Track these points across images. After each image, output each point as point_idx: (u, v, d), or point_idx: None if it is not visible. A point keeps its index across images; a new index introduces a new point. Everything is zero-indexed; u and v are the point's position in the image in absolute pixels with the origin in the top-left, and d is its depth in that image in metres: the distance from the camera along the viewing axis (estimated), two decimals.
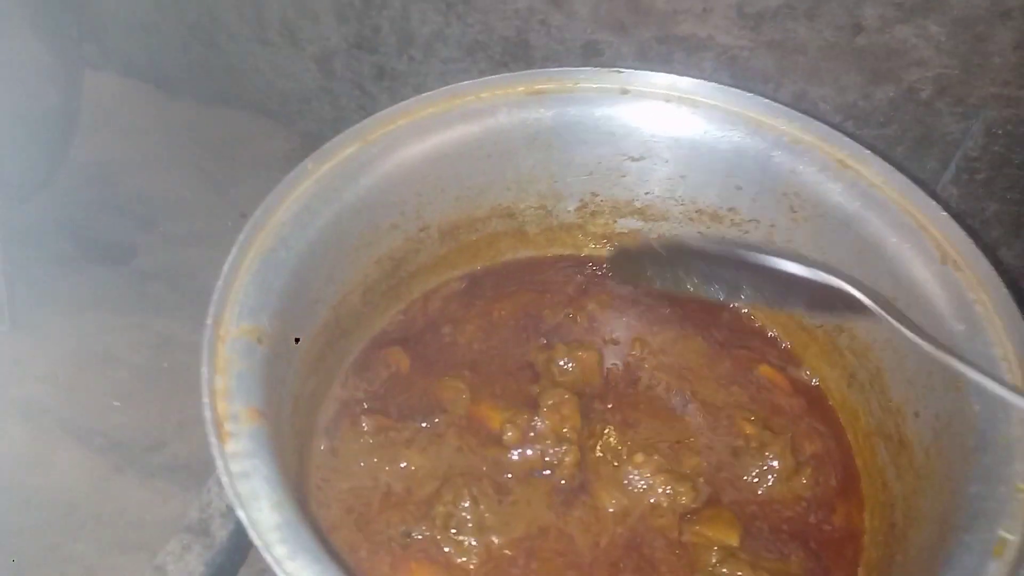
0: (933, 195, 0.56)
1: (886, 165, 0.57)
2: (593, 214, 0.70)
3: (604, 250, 0.72)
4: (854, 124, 0.85)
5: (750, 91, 0.63)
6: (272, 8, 1.01)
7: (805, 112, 0.85)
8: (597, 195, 0.69)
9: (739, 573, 0.50)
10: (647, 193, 0.68)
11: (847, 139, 0.59)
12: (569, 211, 0.70)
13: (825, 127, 0.60)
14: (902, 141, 0.84)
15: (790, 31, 0.80)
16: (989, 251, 0.54)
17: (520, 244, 0.71)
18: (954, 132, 0.81)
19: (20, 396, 0.90)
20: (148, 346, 0.95)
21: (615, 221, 0.70)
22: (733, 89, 0.62)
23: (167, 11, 1.08)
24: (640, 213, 0.69)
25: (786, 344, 0.66)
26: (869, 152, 0.58)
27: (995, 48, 0.74)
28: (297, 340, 0.56)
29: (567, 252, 0.72)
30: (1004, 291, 0.50)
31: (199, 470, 0.83)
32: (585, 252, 0.72)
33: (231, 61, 1.10)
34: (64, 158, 1.07)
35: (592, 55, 0.89)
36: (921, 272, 0.53)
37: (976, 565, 0.40)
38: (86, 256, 1.02)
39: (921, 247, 0.54)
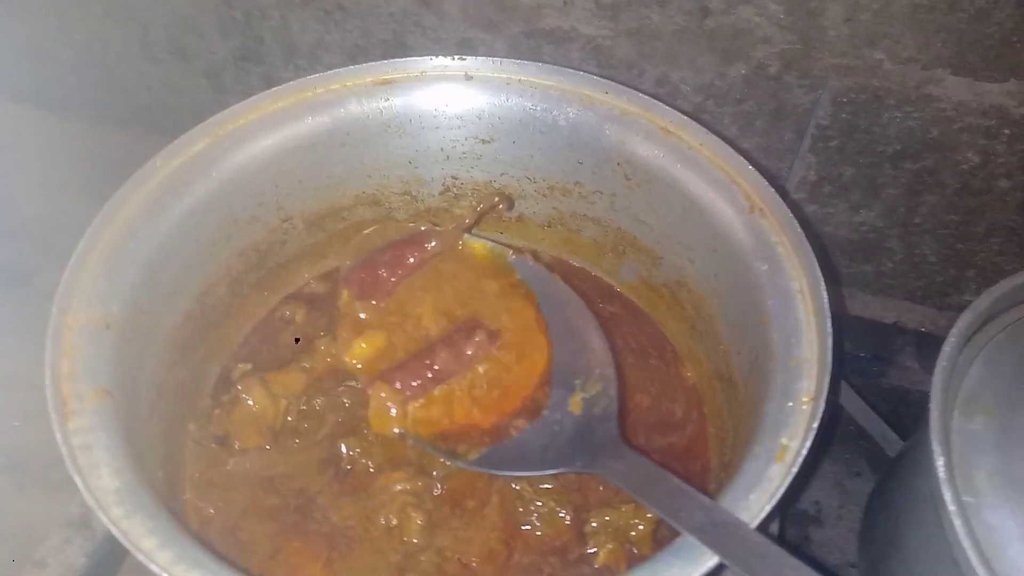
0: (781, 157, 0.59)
1: (702, 129, 0.62)
2: (457, 197, 0.74)
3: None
4: (714, 103, 0.89)
5: (616, 78, 0.67)
6: (157, 26, 1.03)
7: (667, 95, 0.90)
8: (457, 178, 0.72)
9: None
10: (503, 174, 0.71)
11: (668, 108, 0.63)
12: (434, 195, 0.73)
13: (648, 98, 0.64)
14: (759, 115, 0.89)
15: (645, 18, 0.85)
16: (795, 205, 0.58)
17: (389, 230, 0.74)
18: (805, 103, 0.86)
19: None
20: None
21: (479, 203, 0.74)
22: (566, 69, 0.66)
23: (53, 35, 1.09)
24: (499, 193, 0.73)
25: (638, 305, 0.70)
26: (687, 118, 0.63)
27: (828, 22, 0.79)
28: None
29: None
30: (800, 232, 0.55)
31: None
32: None
33: (122, 81, 1.11)
34: None
35: (467, 52, 0.93)
36: (733, 221, 0.58)
37: (761, 468, 0.44)
38: None
39: (733, 199, 0.58)
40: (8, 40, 1.12)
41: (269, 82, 1.05)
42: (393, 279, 0.65)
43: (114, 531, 0.41)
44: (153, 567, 0.40)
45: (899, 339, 0.92)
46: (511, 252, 0.67)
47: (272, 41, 1.00)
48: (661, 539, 0.57)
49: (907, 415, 0.84)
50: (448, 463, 0.57)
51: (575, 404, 0.57)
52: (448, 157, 0.71)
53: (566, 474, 0.57)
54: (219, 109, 1.09)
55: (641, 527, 0.57)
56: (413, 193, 0.73)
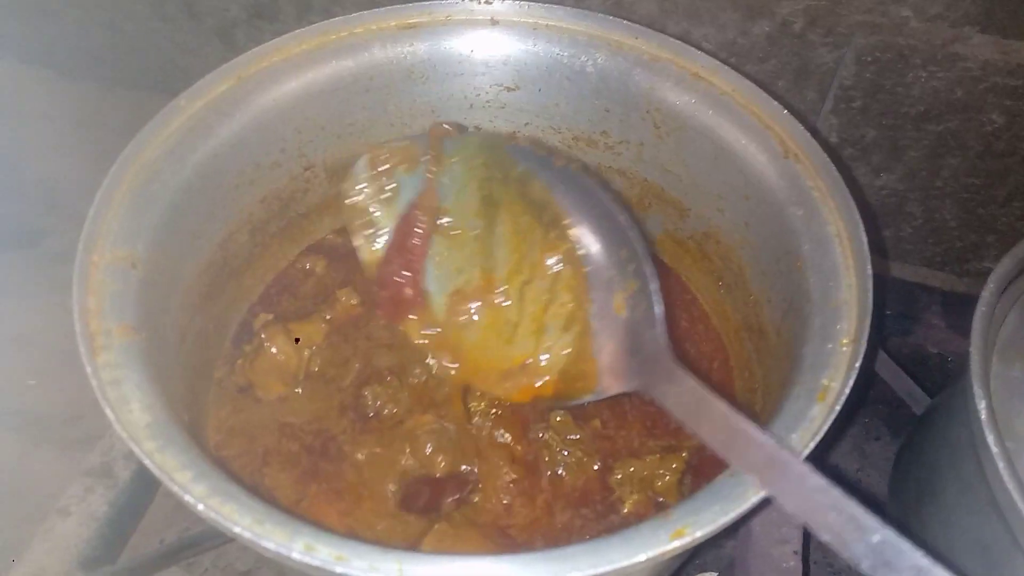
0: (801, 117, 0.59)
1: (735, 74, 0.61)
2: None
3: None
4: (736, 61, 0.88)
5: None
6: None
7: None
8: (480, 128, 0.71)
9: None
10: (527, 124, 0.70)
11: (699, 53, 0.62)
12: None
13: (679, 43, 0.63)
14: (782, 75, 0.88)
15: None
16: (830, 148, 0.57)
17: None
18: (828, 62, 0.85)
19: None
20: (60, 325, 0.93)
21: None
22: (595, 14, 0.65)
23: None
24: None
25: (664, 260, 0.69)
26: (719, 63, 0.61)
27: None
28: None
29: None
30: (837, 176, 0.54)
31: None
32: None
33: (131, 41, 1.09)
34: None
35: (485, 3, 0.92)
36: (766, 168, 0.57)
37: (802, 408, 0.43)
38: None
39: (766, 145, 0.57)
40: (17, 0, 1.10)
41: None
42: (415, 271, 0.58)
43: (148, 463, 0.40)
44: (188, 498, 0.39)
45: (925, 297, 0.91)
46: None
47: None
48: (686, 489, 0.57)
49: (931, 374, 0.84)
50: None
51: (619, 306, 0.50)
52: (472, 106, 0.69)
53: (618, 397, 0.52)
54: None
55: (667, 477, 0.56)
56: None
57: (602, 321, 0.50)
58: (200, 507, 0.39)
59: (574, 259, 0.51)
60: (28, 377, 0.92)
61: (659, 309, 0.48)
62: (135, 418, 0.43)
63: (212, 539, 0.68)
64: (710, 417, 0.42)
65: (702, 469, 0.57)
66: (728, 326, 0.64)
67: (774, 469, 0.39)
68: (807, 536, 0.60)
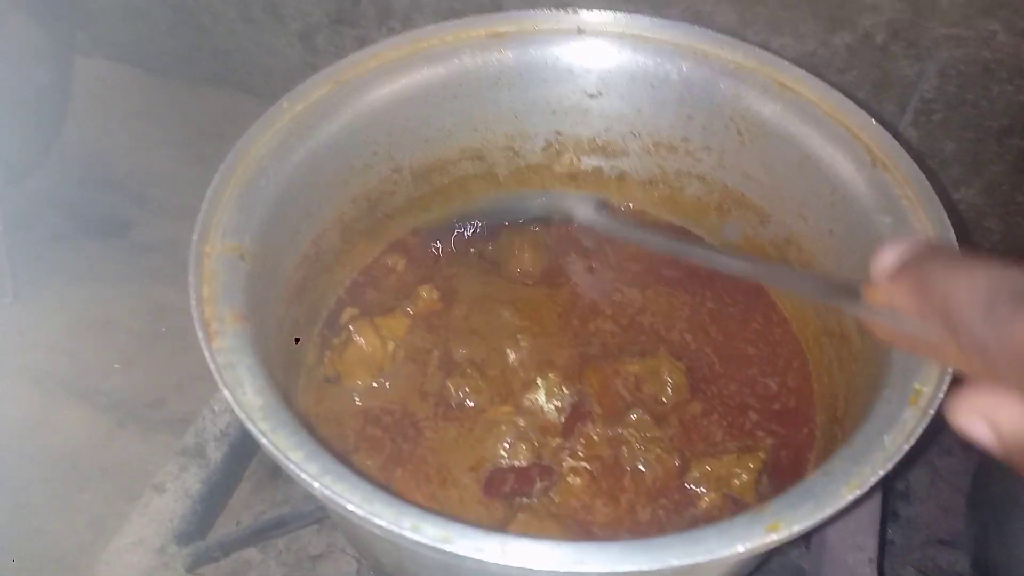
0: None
1: (820, 83, 0.61)
2: (558, 153, 0.74)
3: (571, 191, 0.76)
4: (815, 72, 0.88)
5: None
6: None
7: None
8: (561, 133, 0.73)
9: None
10: (607, 130, 0.72)
11: (785, 62, 0.63)
12: (536, 151, 0.74)
13: (765, 53, 0.64)
14: (861, 86, 0.88)
15: None
16: (920, 158, 0.57)
17: (491, 187, 0.75)
18: (910, 75, 0.84)
19: (25, 363, 0.94)
20: (146, 313, 1.00)
21: (579, 159, 0.74)
22: (681, 23, 0.66)
23: None
24: (602, 150, 0.73)
25: None
26: (804, 72, 0.62)
27: None
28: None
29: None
30: (927, 184, 0.54)
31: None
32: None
33: (217, 42, 1.14)
34: (57, 139, 1.12)
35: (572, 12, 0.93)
36: (854, 176, 0.57)
37: (894, 412, 0.44)
38: (83, 231, 1.07)
39: (854, 154, 0.58)
40: (109, 1, 1.16)
41: (362, 44, 1.04)
42: None
43: (264, 442, 0.43)
44: (304, 476, 0.41)
45: None
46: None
47: (368, 3, 1.01)
48: (763, 489, 0.58)
49: None
50: None
51: None
52: (554, 112, 0.71)
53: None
54: (310, 71, 1.11)
55: (744, 476, 0.57)
56: (516, 148, 0.74)
57: None
58: (316, 485, 0.41)
59: None
60: (114, 361, 0.96)
61: None
62: (249, 400, 0.45)
63: (289, 523, 0.71)
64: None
65: (779, 470, 0.58)
66: (807, 331, 0.65)
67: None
68: (883, 544, 0.60)
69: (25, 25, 1.00)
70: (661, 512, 0.56)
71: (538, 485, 0.56)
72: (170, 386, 0.93)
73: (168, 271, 1.03)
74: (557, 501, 0.56)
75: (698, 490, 0.57)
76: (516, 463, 0.57)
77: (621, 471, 0.58)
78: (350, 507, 0.40)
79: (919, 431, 0.43)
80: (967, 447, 0.81)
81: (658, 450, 0.58)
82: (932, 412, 0.43)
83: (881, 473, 0.41)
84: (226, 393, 0.45)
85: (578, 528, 0.55)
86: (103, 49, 1.21)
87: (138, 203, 1.10)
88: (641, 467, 0.58)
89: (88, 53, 1.20)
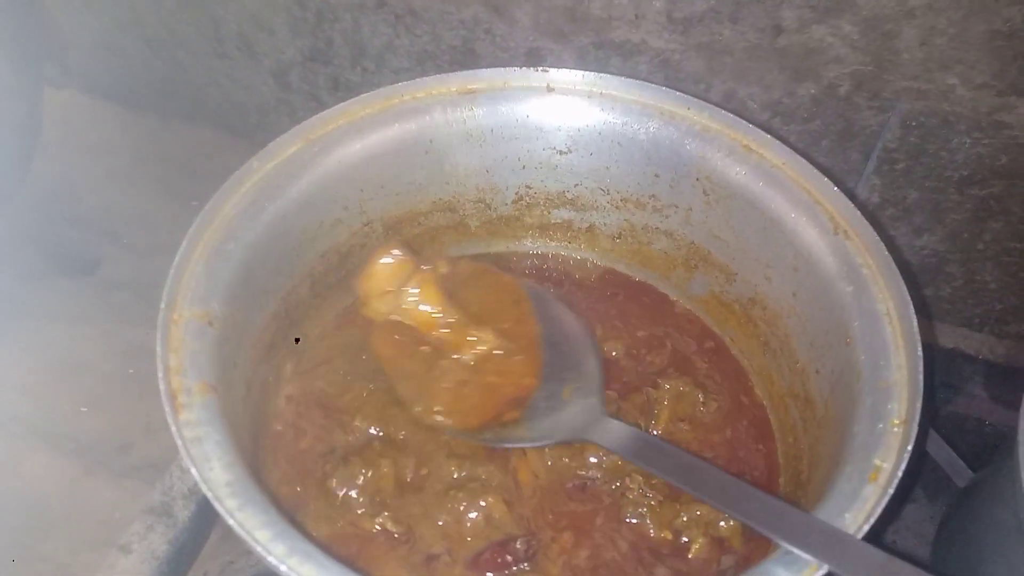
0: (844, 177, 0.61)
1: (785, 148, 0.63)
2: (529, 206, 0.75)
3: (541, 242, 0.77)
4: (781, 120, 0.90)
5: (683, 91, 0.68)
6: (229, 23, 1.05)
7: (734, 111, 0.91)
8: (531, 188, 0.74)
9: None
10: (576, 185, 0.73)
11: (750, 126, 0.64)
12: (507, 204, 0.75)
13: (731, 116, 0.65)
14: (826, 135, 0.89)
15: (716, 34, 0.85)
16: (887, 236, 0.59)
17: (463, 237, 0.76)
18: (873, 125, 0.86)
19: None
20: (116, 353, 0.98)
21: (549, 212, 0.75)
22: (649, 84, 0.67)
23: (127, 29, 1.12)
24: (572, 204, 0.74)
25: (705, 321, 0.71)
26: (770, 137, 0.63)
27: (903, 44, 0.79)
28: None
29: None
30: (887, 255, 0.56)
31: (165, 468, 0.86)
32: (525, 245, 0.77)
33: (191, 77, 1.14)
34: (27, 175, 1.10)
35: (535, 62, 0.94)
36: (816, 242, 0.58)
37: (854, 489, 0.45)
38: (53, 269, 1.05)
39: (816, 220, 0.59)
40: (82, 33, 1.15)
41: (335, 83, 1.07)
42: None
43: (231, 522, 0.43)
44: (270, 559, 0.41)
45: (966, 367, 0.91)
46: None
47: (342, 43, 1.01)
48: (750, 531, 0.58)
49: (973, 444, 0.84)
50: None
51: (567, 393, 0.62)
52: (524, 167, 0.72)
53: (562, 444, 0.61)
54: (284, 108, 1.13)
55: (731, 521, 0.57)
56: (487, 201, 0.74)
57: (547, 400, 0.63)
58: (282, 567, 0.41)
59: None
60: (81, 403, 0.95)
61: (597, 386, 0.62)
62: (216, 476, 0.45)
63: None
64: (660, 456, 0.51)
65: None
66: (773, 390, 0.66)
67: (831, 546, 0.41)
68: None
69: None
70: (651, 566, 0.57)
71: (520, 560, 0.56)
72: (139, 430, 0.92)
73: (138, 310, 1.02)
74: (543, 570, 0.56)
75: (687, 535, 0.57)
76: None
77: (613, 524, 0.58)
78: None
79: (879, 509, 0.44)
80: (932, 496, 0.82)
81: (660, 497, 0.58)
82: (891, 490, 0.44)
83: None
84: (193, 471, 0.45)
85: None
86: (75, 82, 1.20)
87: (109, 240, 1.09)
88: (635, 520, 0.58)
89: (60, 86, 1.19)
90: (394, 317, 0.65)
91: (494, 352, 0.64)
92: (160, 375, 0.49)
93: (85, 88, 1.21)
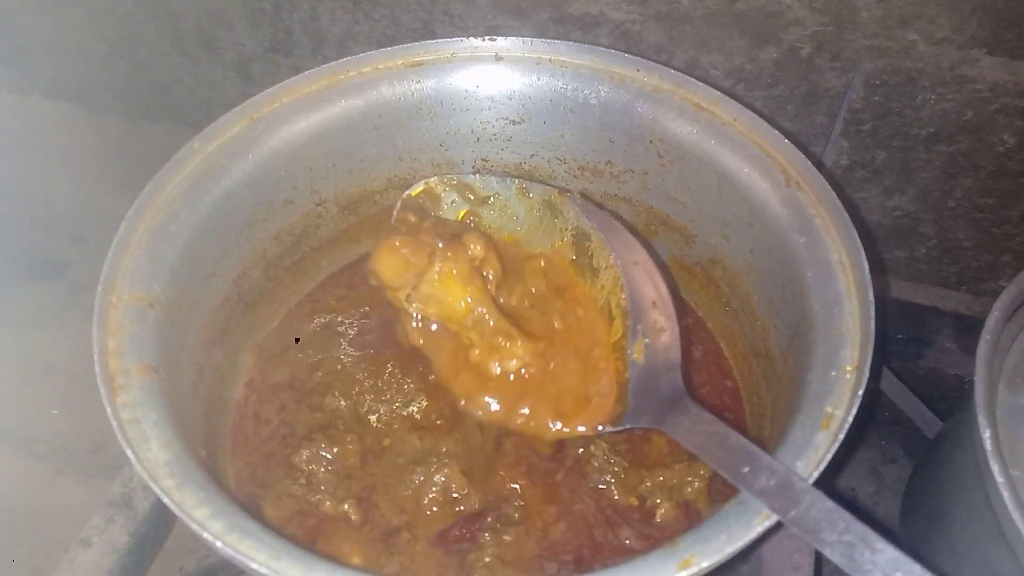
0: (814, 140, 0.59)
1: (735, 103, 0.62)
2: None
3: None
4: (744, 87, 0.89)
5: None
6: (187, 19, 1.04)
7: (698, 79, 0.90)
8: (488, 160, 0.72)
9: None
10: (532, 155, 0.71)
11: (700, 84, 0.63)
12: None
13: (680, 75, 0.64)
14: (790, 99, 0.88)
15: (674, 2, 0.84)
16: (831, 179, 0.58)
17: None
18: (837, 86, 0.85)
19: None
20: (85, 355, 0.96)
21: None
22: (598, 48, 0.66)
23: (86, 30, 1.11)
24: (529, 175, 0.73)
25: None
26: (719, 93, 0.62)
27: (861, 3, 0.78)
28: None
29: None
30: (838, 203, 0.55)
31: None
32: None
33: (153, 75, 1.12)
34: None
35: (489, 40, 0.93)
36: (769, 196, 0.57)
37: (807, 437, 0.44)
38: (20, 273, 1.05)
39: (768, 173, 0.58)
40: (41, 35, 1.14)
41: (298, 73, 1.05)
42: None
43: (167, 501, 0.42)
44: (206, 535, 0.40)
45: (936, 321, 0.90)
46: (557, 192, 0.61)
47: (301, 32, 1.00)
48: (715, 495, 0.58)
49: (945, 397, 0.83)
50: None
51: (638, 350, 0.53)
52: (479, 139, 0.71)
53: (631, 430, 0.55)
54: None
55: (696, 484, 0.57)
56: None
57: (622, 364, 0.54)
58: (218, 544, 0.40)
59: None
60: (52, 406, 0.94)
61: (676, 354, 0.52)
62: (154, 456, 0.44)
63: (231, 568, 0.69)
64: (723, 447, 0.44)
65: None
66: (736, 350, 0.65)
67: (784, 495, 0.40)
68: (819, 563, 0.60)
69: None
70: (619, 533, 0.56)
71: (487, 530, 0.55)
72: (110, 431, 0.90)
73: None
74: (514, 544, 0.55)
75: (651, 501, 0.57)
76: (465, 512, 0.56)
77: (578, 494, 0.58)
78: (253, 565, 0.39)
79: (830, 455, 0.43)
80: (911, 455, 0.82)
81: (625, 463, 0.58)
82: (842, 436, 0.43)
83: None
84: (127, 450, 0.44)
85: (538, 566, 0.55)
86: (38, 86, 1.19)
87: (76, 243, 1.08)
88: (602, 486, 0.57)
89: (22, 91, 1.18)
90: (417, 311, 0.56)
91: (529, 367, 0.55)
92: (96, 358, 0.48)
93: (46, 91, 1.19)
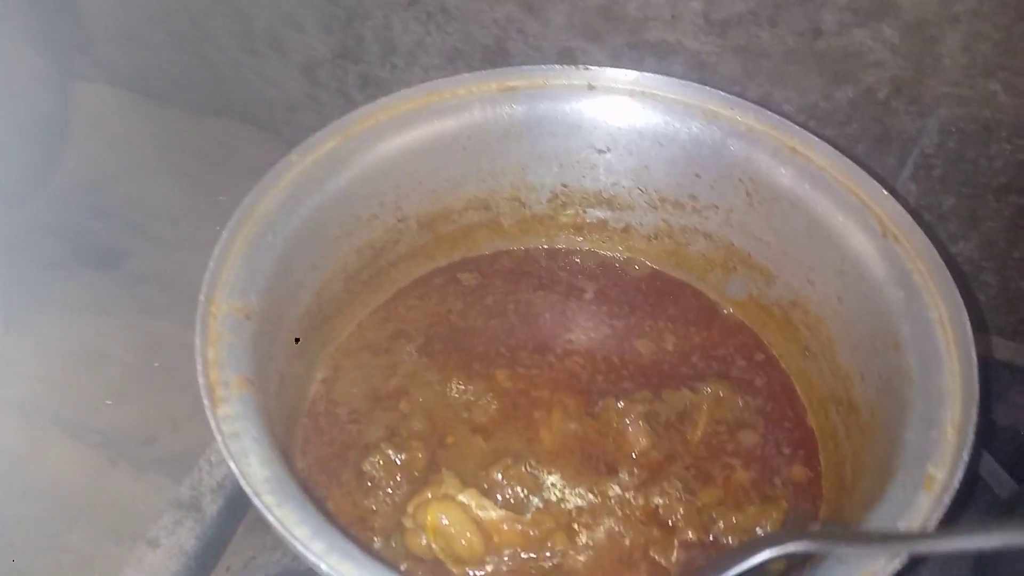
0: (881, 182, 0.60)
1: (831, 149, 0.61)
2: (564, 204, 0.74)
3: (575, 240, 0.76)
4: (816, 124, 0.88)
5: None
6: (258, 19, 1.05)
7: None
8: (567, 186, 0.73)
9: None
10: (614, 184, 0.72)
11: (796, 127, 0.63)
12: (541, 202, 0.74)
13: (776, 116, 0.64)
14: (862, 140, 0.88)
15: (754, 36, 0.84)
16: (938, 240, 0.57)
17: (496, 235, 0.75)
18: (910, 130, 0.85)
19: (15, 395, 0.92)
20: (139, 346, 0.98)
21: (584, 211, 0.74)
22: (692, 83, 0.66)
23: (156, 22, 1.12)
24: (608, 203, 0.73)
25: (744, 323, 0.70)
26: (817, 139, 0.62)
27: (945, 50, 0.78)
28: (297, 340, 0.61)
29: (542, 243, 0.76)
30: (939, 260, 0.54)
31: (190, 462, 0.85)
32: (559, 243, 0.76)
33: (218, 71, 1.13)
34: (55, 166, 1.10)
35: (567, 61, 0.93)
36: (865, 246, 0.57)
37: (908, 498, 0.44)
38: (77, 260, 1.05)
39: (864, 223, 0.58)
40: (110, 25, 1.15)
41: (364, 80, 1.06)
42: None
43: (270, 518, 0.42)
44: (309, 556, 0.41)
45: (1007, 375, 0.90)
46: None
47: (372, 40, 1.01)
48: None
49: (1015, 455, 0.82)
50: None
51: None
52: (561, 165, 0.71)
53: None
54: (311, 104, 1.13)
55: (769, 528, 0.56)
56: (521, 199, 0.74)
57: None
58: (323, 566, 0.40)
59: None
60: (106, 396, 0.94)
61: None
62: (254, 471, 0.44)
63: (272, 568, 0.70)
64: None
65: (802, 519, 0.57)
66: (812, 394, 0.64)
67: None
68: None
69: (27, 53, 0.99)
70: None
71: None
72: (163, 423, 0.92)
73: (163, 303, 1.01)
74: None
75: (725, 541, 0.57)
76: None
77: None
78: None
79: (935, 519, 0.43)
80: (984, 515, 0.80)
81: (699, 503, 0.58)
82: (947, 500, 0.43)
83: (897, 564, 0.41)
84: (232, 465, 0.44)
85: None
86: (104, 74, 1.20)
87: (134, 232, 1.09)
88: (679, 523, 0.57)
89: (89, 78, 1.19)
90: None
91: None
92: (199, 368, 0.48)
93: (113, 81, 1.21)
